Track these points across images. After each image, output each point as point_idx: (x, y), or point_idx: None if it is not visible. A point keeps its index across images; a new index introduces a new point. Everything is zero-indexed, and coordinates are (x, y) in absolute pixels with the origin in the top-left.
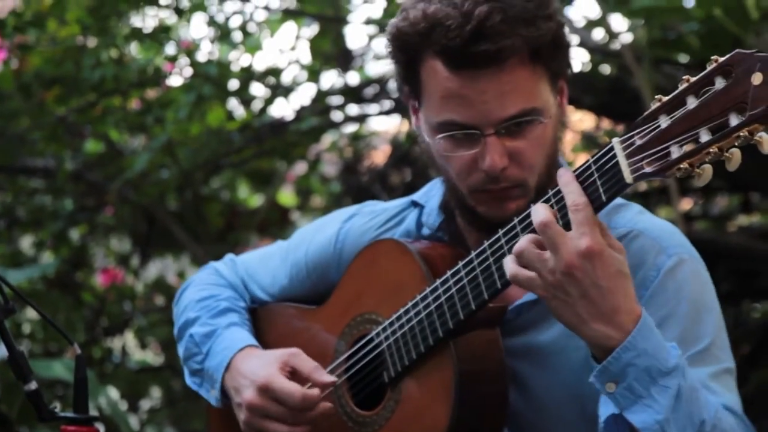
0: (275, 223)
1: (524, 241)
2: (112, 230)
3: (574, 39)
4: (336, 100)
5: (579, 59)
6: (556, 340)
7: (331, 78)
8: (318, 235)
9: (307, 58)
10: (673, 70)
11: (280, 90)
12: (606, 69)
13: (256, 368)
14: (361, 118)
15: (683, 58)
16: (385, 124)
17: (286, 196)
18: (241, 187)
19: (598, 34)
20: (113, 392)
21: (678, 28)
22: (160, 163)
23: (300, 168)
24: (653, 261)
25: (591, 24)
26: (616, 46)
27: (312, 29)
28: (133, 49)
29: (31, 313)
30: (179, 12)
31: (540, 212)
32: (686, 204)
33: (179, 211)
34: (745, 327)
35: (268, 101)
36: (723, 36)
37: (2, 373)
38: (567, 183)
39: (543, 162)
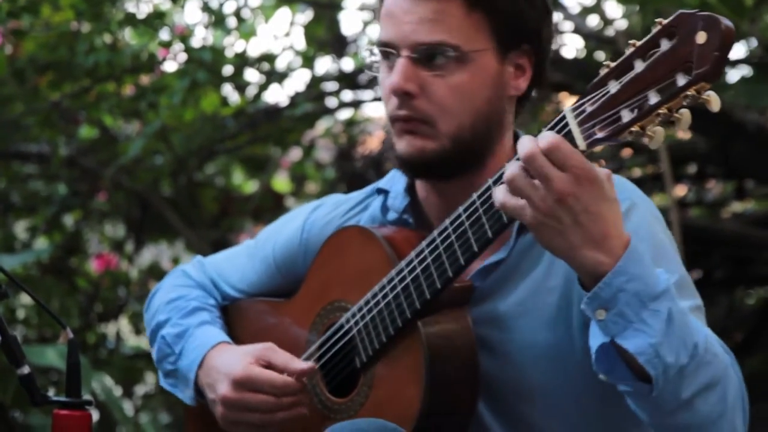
0: (270, 209)
1: (515, 167)
2: (107, 216)
3: (568, 25)
4: (330, 86)
5: (573, 45)
6: (522, 301)
7: (325, 64)
8: (284, 229)
9: (301, 43)
10: None
11: (275, 76)
12: (601, 56)
13: (231, 362)
14: (356, 104)
15: None
16: (380, 110)
17: (281, 182)
18: (236, 173)
19: (593, 21)
20: (108, 379)
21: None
22: (155, 149)
23: (294, 154)
24: None
25: (586, 10)
26: (610, 32)
27: (306, 15)
28: (127, 34)
29: (25, 299)
30: None
31: (525, 144)
32: (680, 190)
33: (173, 196)
34: (739, 313)
35: (263, 87)
36: (721, 9)
37: None
38: (524, 143)
39: (465, 113)
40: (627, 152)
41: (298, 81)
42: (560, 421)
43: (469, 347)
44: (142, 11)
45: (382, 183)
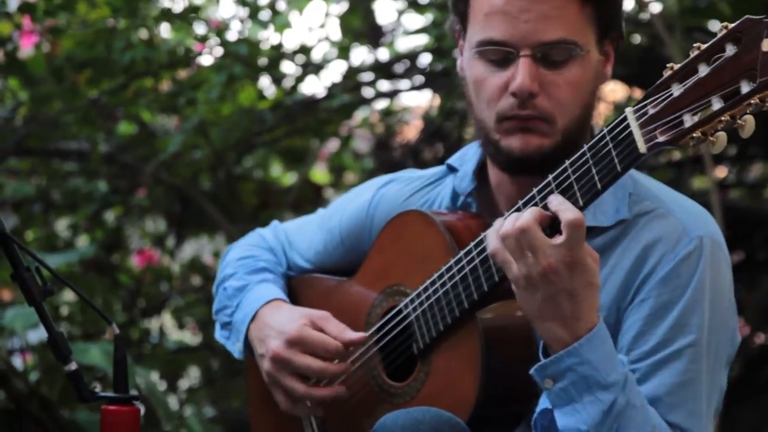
0: (309, 201)
1: (510, 227)
2: (147, 212)
3: None
4: (367, 76)
5: None
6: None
7: (361, 54)
8: (353, 202)
9: (336, 34)
10: (704, 38)
11: (311, 68)
12: (637, 39)
13: (285, 321)
14: (393, 94)
15: (714, 26)
16: (417, 100)
17: (319, 173)
18: (274, 166)
19: (629, 4)
20: (152, 374)
21: None
22: (193, 144)
23: (332, 145)
24: (673, 244)
25: None
26: (646, 15)
27: (341, 6)
28: (164, 30)
29: (68, 296)
30: None
31: (525, 216)
32: (721, 172)
33: (213, 191)
34: None
35: (299, 79)
36: (755, 1)
37: (42, 356)
38: (560, 201)
39: (577, 107)
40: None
41: (335, 72)
42: None
43: (525, 338)
44: (178, 6)
45: (452, 159)
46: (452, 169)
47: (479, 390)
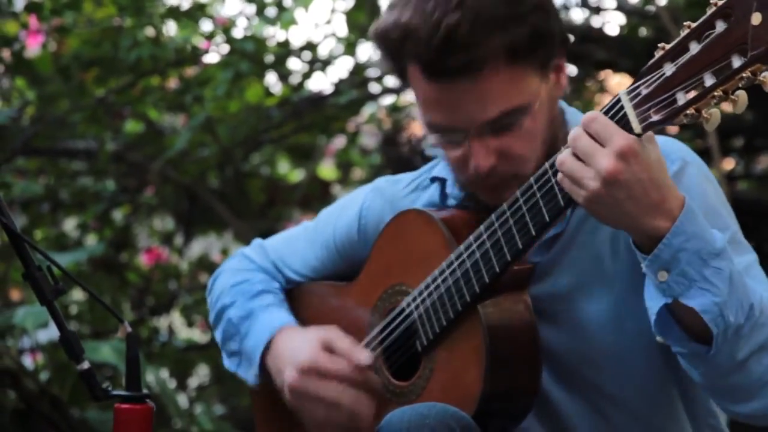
0: (317, 198)
1: (565, 154)
2: (155, 210)
3: (610, 2)
4: (373, 72)
5: (616, 22)
6: (582, 272)
7: (367, 50)
8: (342, 215)
9: (343, 30)
10: None
11: (318, 64)
12: (643, 31)
13: (297, 349)
14: (400, 90)
15: None
16: None
17: (327, 169)
18: (281, 163)
19: None
20: (162, 371)
21: None
22: (201, 141)
23: (339, 141)
24: None
25: None
26: (652, 8)
27: (347, 2)
28: (170, 27)
29: (78, 295)
30: None
31: (573, 129)
32: (728, 164)
33: (221, 188)
34: None
35: (306, 75)
36: None
37: (52, 355)
38: (572, 130)
39: (537, 149)
40: (673, 128)
41: (341, 68)
42: (630, 382)
43: (529, 329)
44: (184, 4)
45: (436, 171)
46: (436, 180)
47: (484, 384)
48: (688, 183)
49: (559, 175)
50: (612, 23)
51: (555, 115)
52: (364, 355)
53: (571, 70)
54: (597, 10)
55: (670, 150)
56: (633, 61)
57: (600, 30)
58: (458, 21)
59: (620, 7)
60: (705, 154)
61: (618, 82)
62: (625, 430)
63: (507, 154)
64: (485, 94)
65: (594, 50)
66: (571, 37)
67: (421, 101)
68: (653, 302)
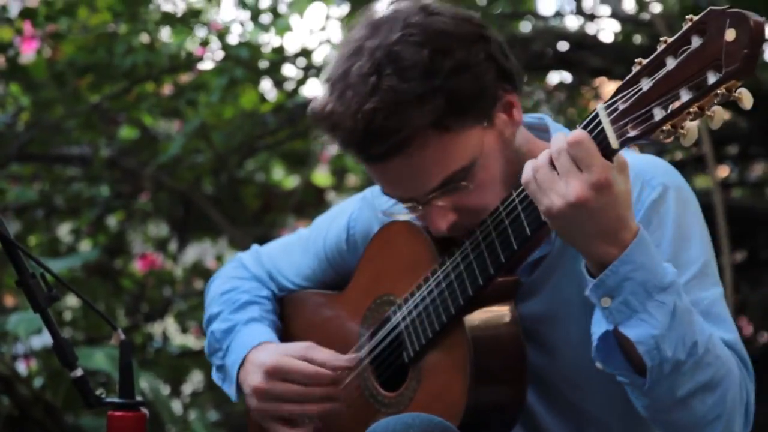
0: (311, 204)
1: (544, 158)
2: (149, 216)
3: (605, 9)
4: None
5: (611, 30)
6: (567, 295)
7: None
8: (332, 226)
9: (338, 37)
10: None
11: (312, 70)
12: (638, 39)
13: (266, 357)
14: None
15: None
16: None
17: (322, 176)
18: (276, 169)
19: (629, 4)
20: (155, 378)
21: None
22: (195, 148)
23: (334, 148)
24: (637, 196)
25: None
26: (647, 15)
27: (342, 8)
28: (164, 34)
29: (71, 301)
30: None
31: (557, 139)
32: (723, 171)
33: (215, 194)
34: None
35: (301, 82)
36: (755, 0)
37: (46, 361)
38: (557, 138)
39: (498, 192)
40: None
41: None
42: (610, 405)
43: (514, 341)
44: (179, 9)
45: None
46: None
47: (469, 395)
48: (664, 212)
49: (527, 175)
50: (607, 30)
51: (514, 150)
52: (342, 361)
53: (566, 77)
54: (591, 17)
55: (652, 175)
56: (628, 69)
57: (594, 37)
58: (374, 108)
59: (615, 15)
60: (700, 162)
61: (612, 89)
62: None
63: (464, 209)
64: (421, 168)
65: (588, 57)
66: (566, 45)
67: (374, 175)
68: (597, 327)
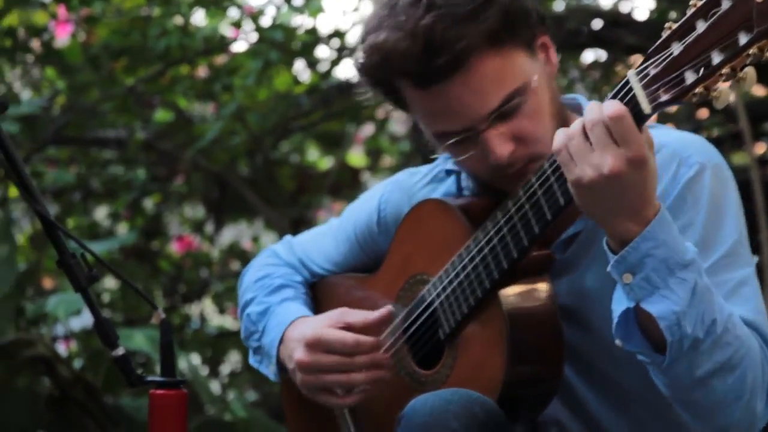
0: (346, 185)
1: (577, 127)
2: (185, 198)
3: None
4: None
5: (645, 7)
6: (601, 272)
7: None
8: (362, 210)
9: None
10: None
11: (346, 51)
12: (672, 15)
13: (306, 330)
14: None
15: None
16: None
17: (356, 157)
18: (311, 150)
19: None
20: (194, 358)
21: None
22: (230, 130)
23: (369, 128)
24: (674, 174)
25: None
26: None
27: None
28: (198, 16)
29: (109, 283)
30: None
31: (591, 110)
32: (760, 148)
33: (251, 176)
34: None
35: (334, 63)
36: None
37: (85, 343)
38: (592, 108)
39: (548, 126)
40: (704, 113)
41: None
42: (648, 379)
43: (550, 315)
44: None
45: (451, 164)
46: (451, 173)
47: (506, 370)
48: (699, 190)
49: (559, 143)
50: (641, 8)
51: (555, 91)
52: (378, 312)
53: (600, 55)
54: None
55: (690, 153)
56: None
57: (629, 15)
58: (432, 23)
59: None
60: (736, 139)
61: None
62: (645, 423)
63: (521, 137)
64: (481, 86)
65: (623, 35)
66: (600, 23)
67: (422, 115)
68: (618, 305)
